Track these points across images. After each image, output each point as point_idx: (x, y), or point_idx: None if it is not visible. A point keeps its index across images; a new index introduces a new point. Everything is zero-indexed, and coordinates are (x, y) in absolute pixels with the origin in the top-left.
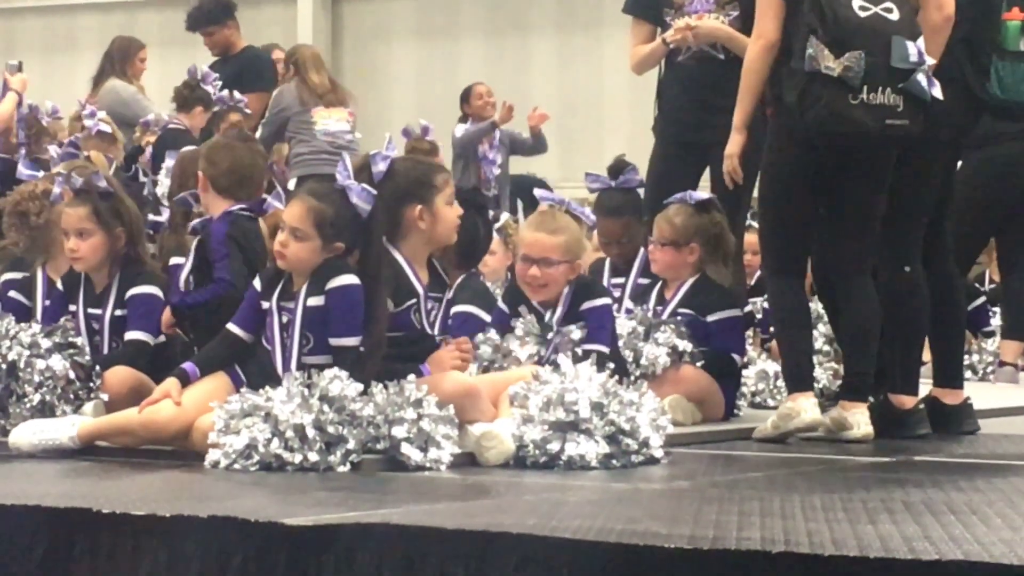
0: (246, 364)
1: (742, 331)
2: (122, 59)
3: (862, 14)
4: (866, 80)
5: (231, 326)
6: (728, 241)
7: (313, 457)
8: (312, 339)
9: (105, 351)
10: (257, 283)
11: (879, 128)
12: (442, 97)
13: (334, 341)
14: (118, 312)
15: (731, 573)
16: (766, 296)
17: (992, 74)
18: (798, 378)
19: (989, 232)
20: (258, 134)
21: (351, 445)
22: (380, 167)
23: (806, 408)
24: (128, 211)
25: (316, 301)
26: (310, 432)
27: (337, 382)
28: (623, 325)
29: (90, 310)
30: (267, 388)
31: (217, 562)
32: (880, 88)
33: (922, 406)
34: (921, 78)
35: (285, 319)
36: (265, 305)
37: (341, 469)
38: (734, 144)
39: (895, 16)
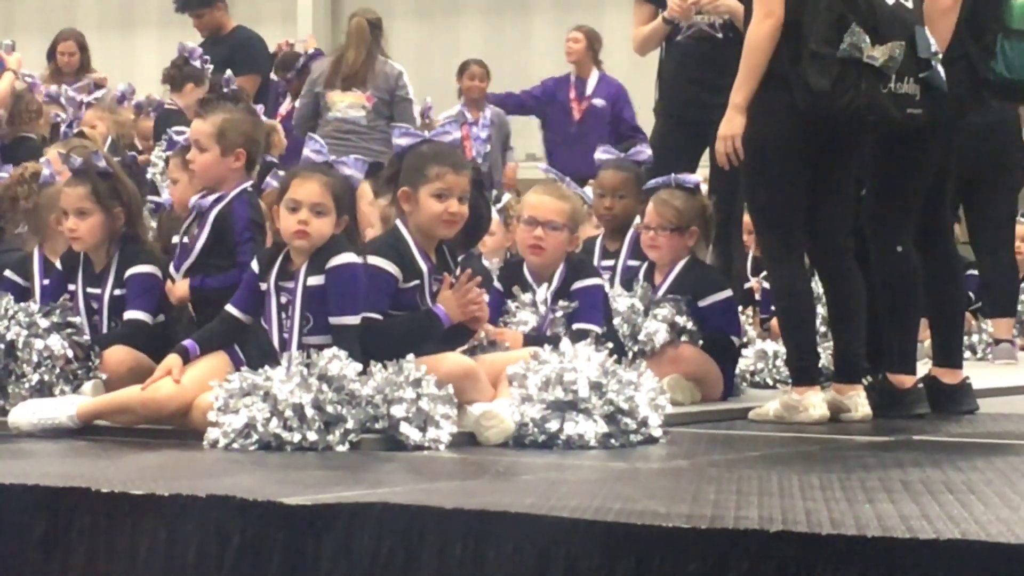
0: (245, 344)
1: (736, 312)
2: None
3: (889, 2)
4: (896, 69)
5: (230, 308)
6: (714, 222)
7: (312, 437)
8: (312, 319)
9: (104, 330)
10: (254, 264)
11: (901, 117)
12: (442, 74)
13: (334, 320)
14: (117, 292)
15: (729, 552)
16: (764, 275)
17: (998, 53)
18: (803, 372)
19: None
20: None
21: (350, 424)
22: (402, 141)
23: (814, 404)
24: (127, 190)
25: (316, 280)
26: (309, 412)
27: (336, 362)
28: (622, 301)
29: (89, 289)
30: (266, 367)
31: (216, 541)
32: (905, 78)
33: (921, 386)
34: (940, 69)
35: (284, 299)
36: (263, 286)
37: (340, 449)
38: (735, 125)
39: (911, 4)
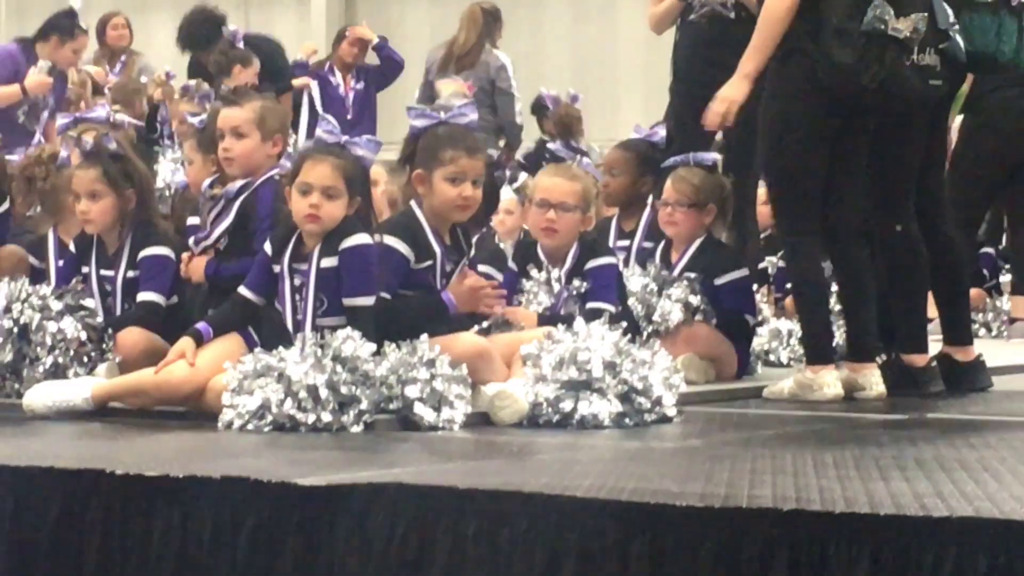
0: (259, 326)
1: (752, 291)
2: None
3: None
4: (918, 41)
5: (242, 290)
6: (732, 201)
7: (326, 417)
8: (326, 301)
9: (118, 313)
10: (267, 246)
11: (923, 88)
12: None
13: (348, 301)
14: (130, 273)
15: (743, 530)
16: (780, 255)
17: (960, 26)
18: (818, 350)
19: (992, 187)
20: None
21: (364, 405)
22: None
23: (829, 383)
24: (138, 172)
25: (330, 262)
26: (323, 392)
27: (350, 342)
28: (636, 281)
29: (102, 272)
30: (280, 349)
31: (230, 522)
32: (928, 49)
33: (934, 364)
34: (959, 39)
35: (298, 281)
36: (276, 268)
37: (354, 429)
38: (738, 91)
39: None
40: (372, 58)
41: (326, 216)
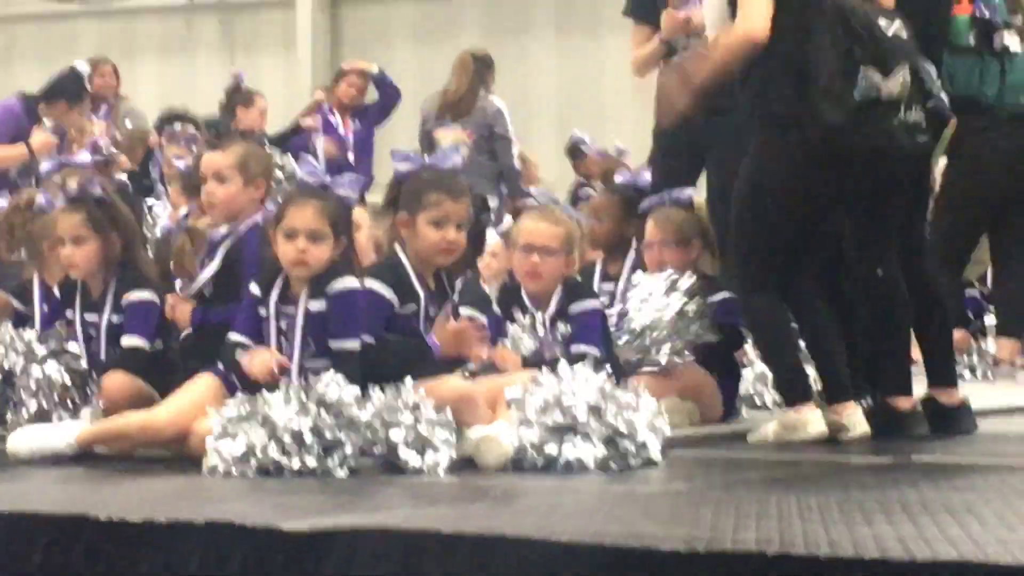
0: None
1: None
2: None
3: (888, 31)
4: (906, 99)
5: (234, 335)
6: (713, 236)
7: (311, 462)
8: (312, 343)
9: (102, 357)
10: (254, 288)
11: (911, 146)
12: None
13: (334, 344)
14: (115, 318)
15: (728, 575)
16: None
17: (943, 70)
18: (794, 389)
19: (976, 230)
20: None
21: (348, 449)
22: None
23: (812, 420)
24: (123, 217)
25: (317, 305)
26: (308, 437)
27: (334, 386)
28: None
29: (87, 316)
30: (264, 392)
31: (215, 568)
32: (913, 107)
33: (919, 408)
34: (944, 97)
35: (284, 324)
36: (263, 311)
37: (339, 473)
38: (680, 94)
39: (906, 34)
40: (369, 96)
41: (313, 260)
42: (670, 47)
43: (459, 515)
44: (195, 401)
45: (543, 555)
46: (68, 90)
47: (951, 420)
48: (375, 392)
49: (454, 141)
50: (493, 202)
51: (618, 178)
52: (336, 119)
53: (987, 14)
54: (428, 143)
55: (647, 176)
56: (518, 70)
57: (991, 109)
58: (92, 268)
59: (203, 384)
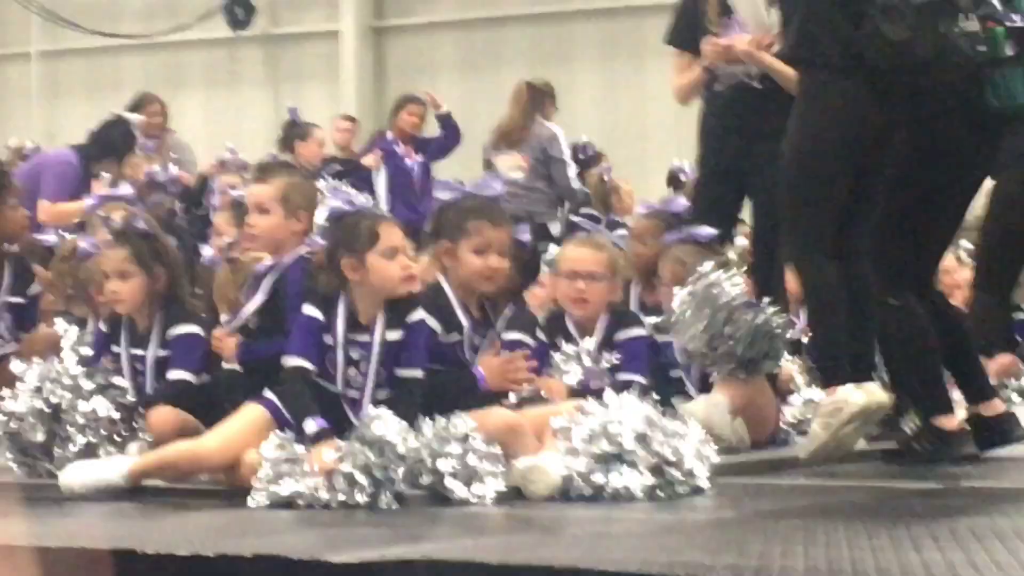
0: (281, 391)
1: None
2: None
3: None
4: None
5: (297, 360)
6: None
7: (361, 499)
8: (384, 374)
9: (149, 391)
10: (312, 311)
11: (973, 54)
12: (487, 128)
13: (402, 372)
14: (161, 352)
15: None
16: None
17: (989, 84)
18: (833, 370)
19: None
20: None
21: (397, 485)
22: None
23: (850, 394)
24: (167, 251)
25: (394, 335)
26: (359, 477)
27: (378, 423)
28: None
29: (133, 351)
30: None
31: None
32: (969, 14)
33: (965, 427)
34: (996, 2)
35: (355, 354)
36: (328, 338)
37: (387, 506)
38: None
39: None
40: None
41: (419, 276)
42: (712, 74)
43: (505, 546)
44: (244, 430)
45: None
46: (118, 146)
47: (997, 431)
48: (425, 423)
49: (511, 165)
50: (555, 228)
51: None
52: (401, 150)
53: (1018, 21)
54: (488, 170)
55: (682, 201)
56: (563, 98)
57: None
58: (137, 303)
59: (252, 414)
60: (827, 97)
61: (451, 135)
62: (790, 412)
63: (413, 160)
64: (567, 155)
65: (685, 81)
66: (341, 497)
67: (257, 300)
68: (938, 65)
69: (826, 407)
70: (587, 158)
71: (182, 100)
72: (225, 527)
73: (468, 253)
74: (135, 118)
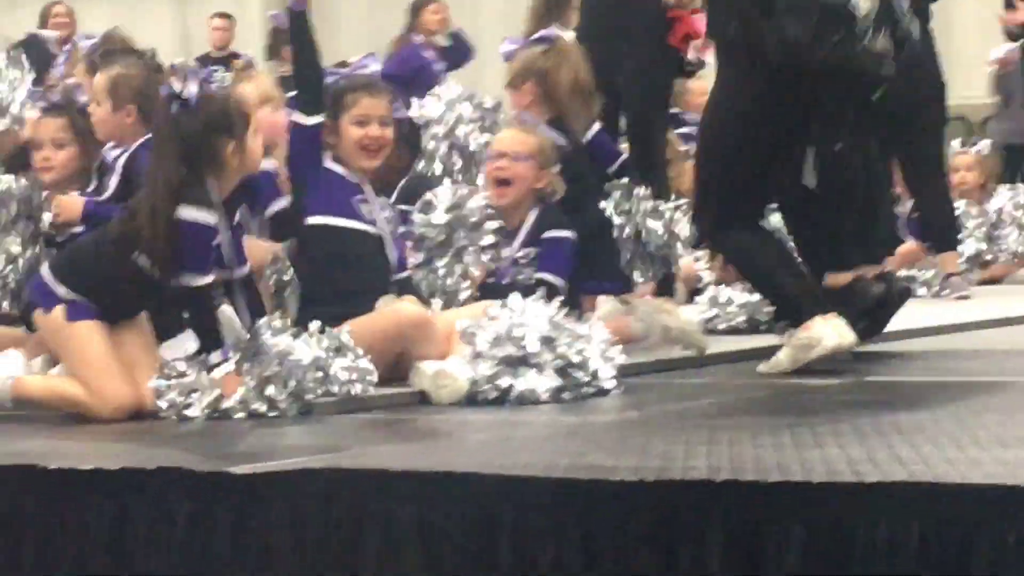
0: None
1: None
2: None
3: None
4: (872, 24)
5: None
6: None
7: (263, 409)
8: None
9: None
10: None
11: (876, 71)
12: (395, 26)
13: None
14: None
15: (677, 503)
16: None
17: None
18: (796, 307)
19: None
20: None
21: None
22: None
23: (824, 333)
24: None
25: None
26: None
27: (270, 333)
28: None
29: None
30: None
31: (165, 513)
32: (883, 31)
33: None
34: (915, 27)
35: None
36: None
37: (292, 414)
38: None
39: None
40: None
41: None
42: None
43: (409, 453)
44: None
45: (491, 490)
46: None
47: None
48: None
49: None
50: None
51: None
52: (431, 55)
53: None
54: None
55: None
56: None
57: None
58: (68, 174)
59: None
60: (736, 79)
61: (461, 48)
62: (698, 310)
63: (437, 61)
64: None
65: None
66: (242, 413)
67: (112, 187)
68: (835, 74)
69: (800, 340)
70: None
71: (84, 15)
72: (126, 440)
73: (349, 126)
74: (49, 35)
